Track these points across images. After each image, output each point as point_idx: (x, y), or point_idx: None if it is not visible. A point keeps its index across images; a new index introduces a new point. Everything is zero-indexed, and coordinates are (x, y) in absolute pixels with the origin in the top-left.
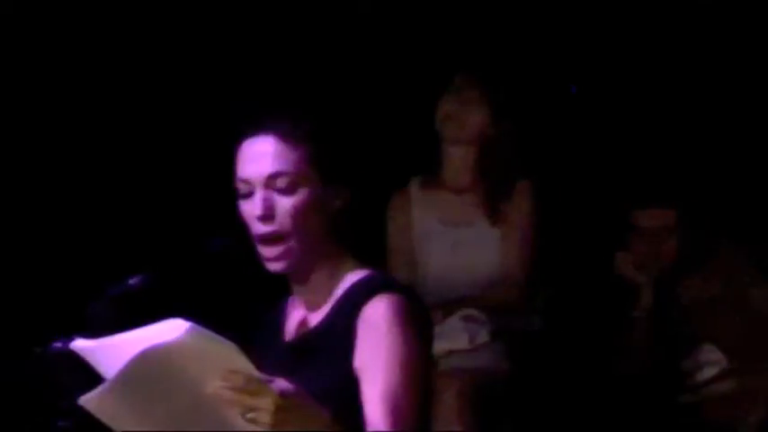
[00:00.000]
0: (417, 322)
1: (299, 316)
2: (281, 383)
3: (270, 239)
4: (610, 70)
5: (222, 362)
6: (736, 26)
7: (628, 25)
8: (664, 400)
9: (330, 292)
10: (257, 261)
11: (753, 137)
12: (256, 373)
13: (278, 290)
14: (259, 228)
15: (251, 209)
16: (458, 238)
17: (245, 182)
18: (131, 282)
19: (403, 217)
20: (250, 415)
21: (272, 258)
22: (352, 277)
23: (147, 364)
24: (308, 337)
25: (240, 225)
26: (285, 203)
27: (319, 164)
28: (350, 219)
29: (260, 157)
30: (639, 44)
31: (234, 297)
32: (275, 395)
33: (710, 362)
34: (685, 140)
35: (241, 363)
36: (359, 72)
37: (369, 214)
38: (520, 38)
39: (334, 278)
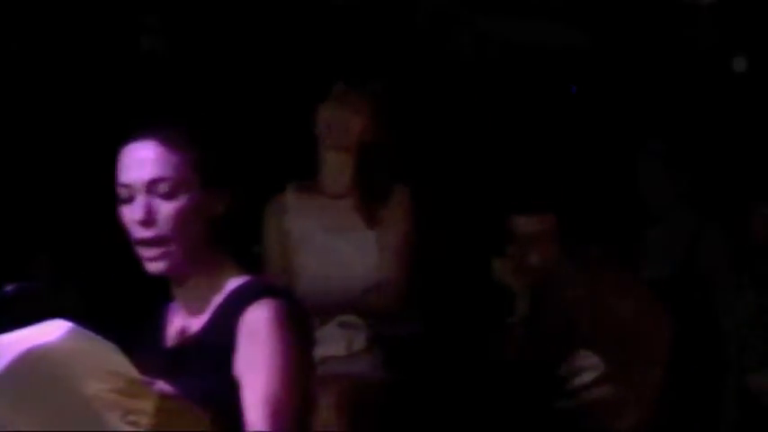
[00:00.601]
0: (297, 327)
1: (180, 322)
2: (162, 386)
3: (150, 243)
4: (487, 78)
5: (103, 363)
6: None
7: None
8: (541, 405)
9: (211, 298)
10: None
11: (624, 144)
12: (137, 375)
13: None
14: (140, 232)
15: (132, 214)
16: (335, 244)
17: (127, 187)
18: (8, 289)
19: (279, 223)
20: (130, 417)
21: (151, 259)
22: (233, 283)
23: (27, 365)
24: (188, 343)
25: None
26: (166, 208)
27: (200, 169)
28: (231, 224)
29: (141, 162)
30: (513, 61)
31: None
32: (155, 397)
33: (587, 367)
34: (561, 147)
35: (122, 364)
36: (239, 78)
37: (250, 220)
38: (399, 45)
39: (215, 284)
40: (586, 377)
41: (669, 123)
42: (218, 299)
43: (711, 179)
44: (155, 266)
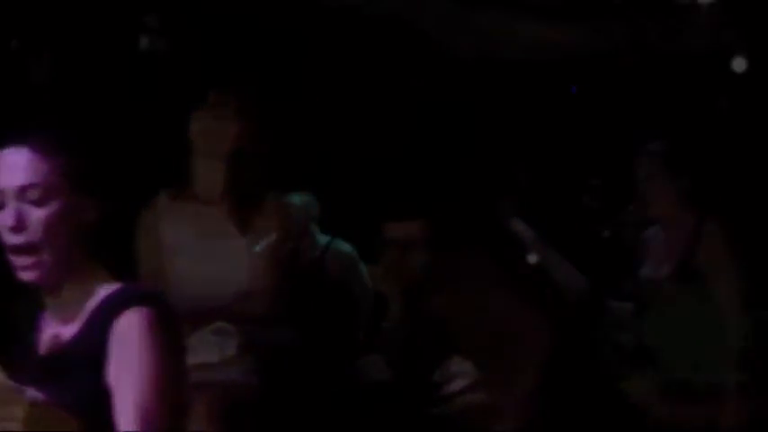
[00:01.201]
0: (168, 334)
1: (53, 329)
2: (32, 393)
3: (21, 250)
4: (366, 87)
5: None
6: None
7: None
8: (416, 412)
9: (83, 305)
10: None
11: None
12: (7, 382)
13: None
14: (11, 239)
15: (3, 220)
16: (208, 251)
17: None
18: None
19: (151, 230)
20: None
21: (24, 268)
22: (105, 290)
23: None
24: (61, 350)
25: None
26: (37, 215)
27: (71, 176)
28: (103, 232)
29: (12, 168)
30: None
31: None
32: (26, 404)
33: (460, 373)
34: (433, 155)
35: None
36: (114, 85)
37: (124, 227)
38: (274, 55)
39: (87, 291)
40: (460, 383)
41: (669, 123)
42: (90, 306)
43: (711, 179)
44: (26, 275)
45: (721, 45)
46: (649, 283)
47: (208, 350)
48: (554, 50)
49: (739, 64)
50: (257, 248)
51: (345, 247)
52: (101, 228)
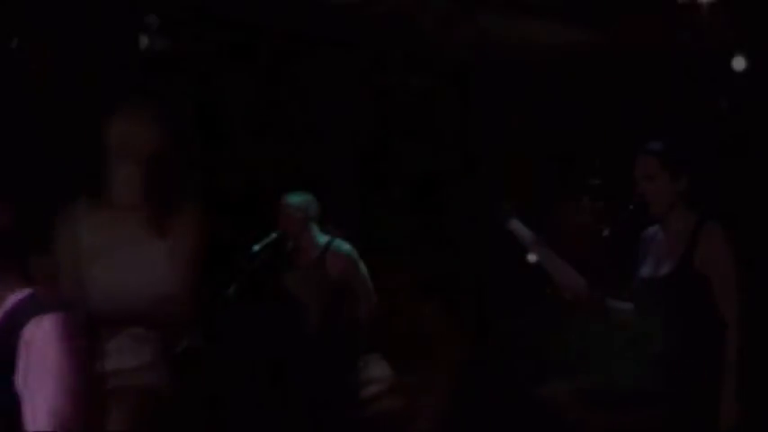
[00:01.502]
0: (77, 340)
1: None
2: None
3: None
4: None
5: None
6: None
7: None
8: (334, 415)
9: None
10: None
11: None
12: None
13: None
14: None
15: None
16: (125, 256)
17: None
18: None
19: (70, 235)
20: None
21: None
22: (15, 297)
23: None
24: None
25: None
26: None
27: None
28: (16, 236)
29: None
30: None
31: None
32: None
33: (378, 378)
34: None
35: None
36: (30, 90)
37: (41, 232)
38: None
39: None
40: (377, 387)
41: (669, 123)
42: None
43: (711, 179)
44: None
45: (721, 45)
46: (649, 282)
47: (125, 355)
48: (553, 50)
49: (739, 63)
50: (256, 248)
51: (345, 246)
52: (14, 233)
